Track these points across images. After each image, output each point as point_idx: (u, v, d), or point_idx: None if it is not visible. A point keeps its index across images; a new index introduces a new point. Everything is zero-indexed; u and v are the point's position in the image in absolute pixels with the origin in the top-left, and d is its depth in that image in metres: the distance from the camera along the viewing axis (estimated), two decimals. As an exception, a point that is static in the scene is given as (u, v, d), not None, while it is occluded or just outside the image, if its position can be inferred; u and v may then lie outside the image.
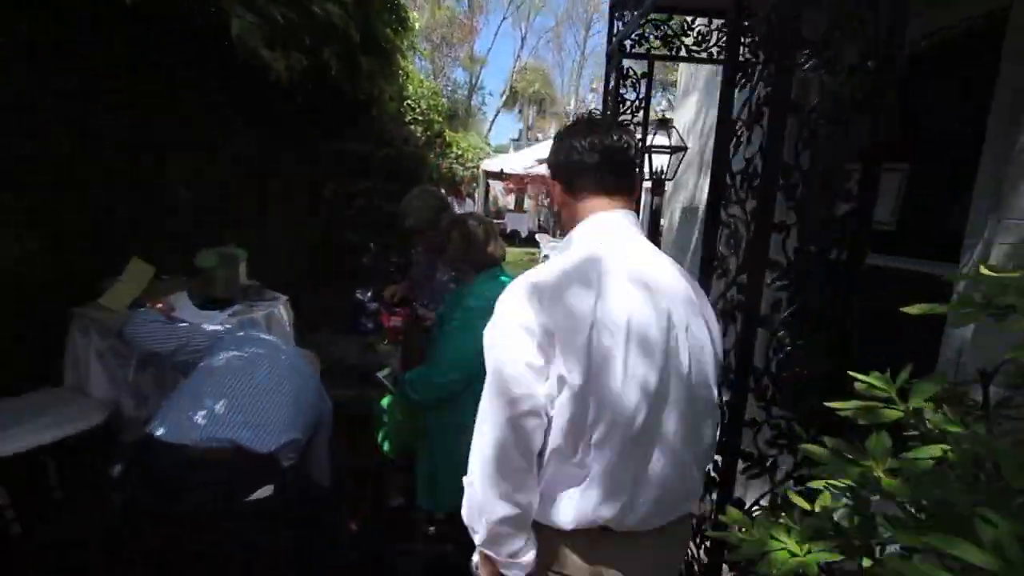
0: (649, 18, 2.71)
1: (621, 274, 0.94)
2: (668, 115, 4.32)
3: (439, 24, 21.05)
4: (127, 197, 2.76)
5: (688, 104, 4.18)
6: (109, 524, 1.43)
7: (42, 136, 2.37)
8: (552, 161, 1.11)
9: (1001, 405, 0.95)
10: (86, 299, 2.35)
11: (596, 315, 0.90)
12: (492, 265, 1.84)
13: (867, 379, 0.93)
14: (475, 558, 1.04)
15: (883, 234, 2.17)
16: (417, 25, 5.98)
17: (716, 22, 2.82)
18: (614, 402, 0.90)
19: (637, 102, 2.94)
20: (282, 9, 2.42)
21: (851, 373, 0.93)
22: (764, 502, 1.37)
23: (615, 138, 1.03)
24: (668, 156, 3.78)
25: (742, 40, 1.37)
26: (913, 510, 0.74)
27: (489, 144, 18.94)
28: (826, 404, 0.94)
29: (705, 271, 1.50)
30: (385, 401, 2.10)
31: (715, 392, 1.05)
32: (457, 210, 2.77)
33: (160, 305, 2.16)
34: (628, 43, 2.82)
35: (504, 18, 26.34)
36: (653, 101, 3.07)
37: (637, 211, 1.26)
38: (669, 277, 1.00)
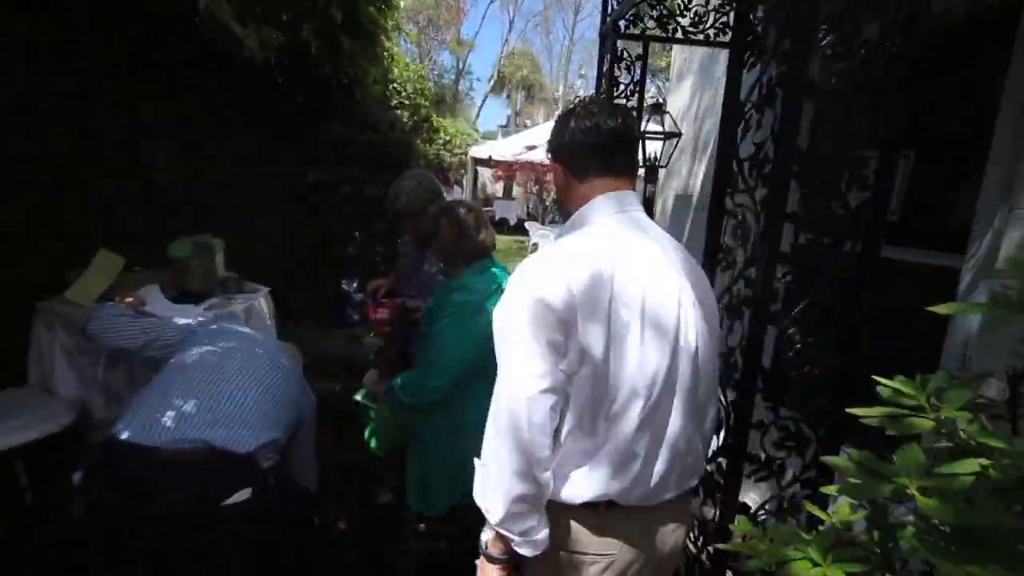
0: (645, -3, 2.59)
1: (632, 251, 0.96)
2: (657, 103, 4.21)
3: (425, 6, 20.57)
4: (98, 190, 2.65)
5: (682, 89, 4.08)
6: (72, 531, 1.35)
7: (42, 136, 2.38)
8: (555, 144, 1.09)
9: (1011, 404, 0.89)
10: (51, 293, 2.22)
11: (614, 290, 0.91)
12: (483, 255, 1.75)
13: (892, 384, 0.86)
14: (484, 537, 1.02)
15: (886, 224, 2.11)
16: (402, 4, 5.77)
17: (714, 2, 2.71)
18: (631, 375, 0.92)
19: (632, 85, 2.83)
20: (256, -18, 2.28)
21: (875, 378, 0.86)
22: (770, 506, 1.32)
23: (619, 119, 1.04)
24: (661, 142, 3.69)
25: (752, 16, 1.27)
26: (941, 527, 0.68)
27: (477, 130, 18.68)
28: (848, 411, 0.87)
29: (709, 263, 1.43)
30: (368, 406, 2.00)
31: (716, 372, 1.08)
32: (446, 197, 2.67)
33: (130, 299, 2.03)
34: (623, 23, 2.70)
35: (492, 0, 25.85)
36: (642, 88, 2.95)
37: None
38: (676, 255, 1.03)
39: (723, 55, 3.35)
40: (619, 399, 0.92)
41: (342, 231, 4.18)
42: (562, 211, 1.14)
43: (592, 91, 2.93)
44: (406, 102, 6.48)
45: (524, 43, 27.50)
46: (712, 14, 2.72)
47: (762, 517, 1.28)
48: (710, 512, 1.42)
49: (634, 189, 1.09)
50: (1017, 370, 0.88)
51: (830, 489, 0.85)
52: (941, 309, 0.88)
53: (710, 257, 1.40)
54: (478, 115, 25.35)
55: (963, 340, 1.69)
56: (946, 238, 1.88)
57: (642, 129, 3.37)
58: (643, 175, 3.88)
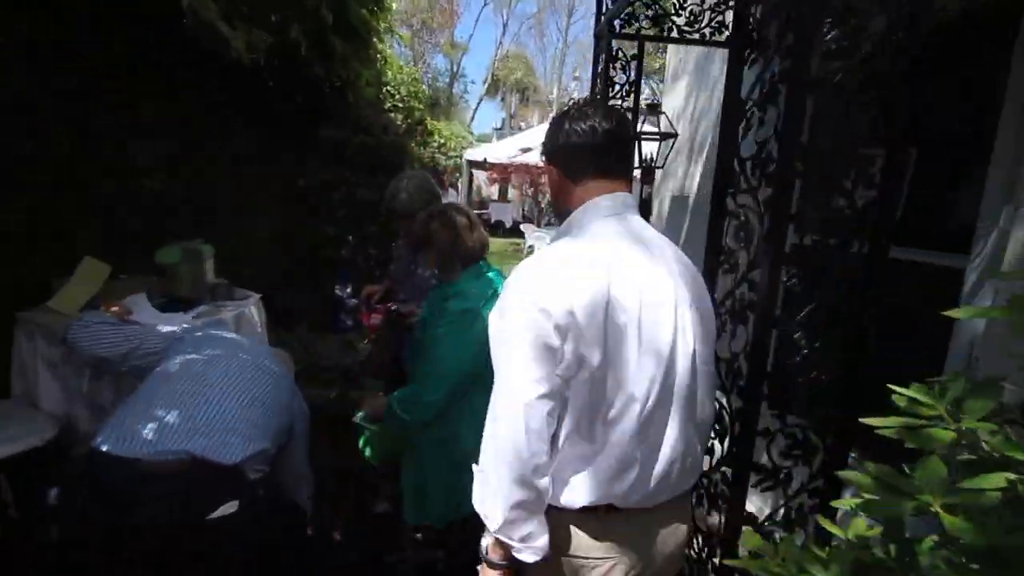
0: (640, -4, 2.56)
1: (628, 254, 0.96)
2: (653, 104, 4.19)
3: (419, 8, 20.56)
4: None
5: (677, 89, 4.05)
6: (72, 531, 1.33)
7: (42, 136, 2.37)
8: (549, 146, 1.08)
9: None
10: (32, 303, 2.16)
11: (611, 294, 0.90)
12: (478, 257, 1.71)
13: (908, 392, 0.82)
14: (484, 542, 1.02)
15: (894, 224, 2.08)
16: (395, 6, 5.74)
17: (709, 0, 2.68)
18: (629, 379, 0.91)
19: (627, 85, 2.80)
20: (242, -19, 2.24)
21: (890, 387, 0.81)
22: (775, 515, 1.28)
23: (613, 121, 1.03)
24: (658, 143, 3.66)
25: (752, 12, 1.24)
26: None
27: (472, 133, 18.67)
28: (862, 421, 0.83)
29: (710, 266, 1.39)
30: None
31: (713, 371, 1.07)
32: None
33: (115, 308, 1.97)
34: (618, 23, 2.67)
35: (485, 3, 25.88)
36: (636, 90, 2.91)
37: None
38: (671, 255, 1.02)
39: (719, 55, 3.33)
40: (616, 404, 0.92)
41: (336, 235, 4.12)
42: (557, 214, 1.12)
43: (587, 93, 2.90)
44: (400, 105, 6.44)
45: (518, 46, 27.57)
46: (708, 13, 2.69)
47: (767, 525, 1.24)
48: (715, 520, 1.38)
49: (630, 191, 1.08)
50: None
51: (846, 503, 0.81)
52: (958, 313, 0.84)
53: (711, 259, 1.36)
54: (473, 118, 25.38)
55: (969, 341, 1.66)
56: (948, 237, 1.85)
57: (638, 130, 3.34)
58: (639, 176, 3.85)
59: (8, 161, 2.23)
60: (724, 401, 1.28)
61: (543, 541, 0.94)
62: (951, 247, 1.82)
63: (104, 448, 1.32)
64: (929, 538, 0.71)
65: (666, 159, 3.72)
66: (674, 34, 2.74)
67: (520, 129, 20.54)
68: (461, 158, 13.17)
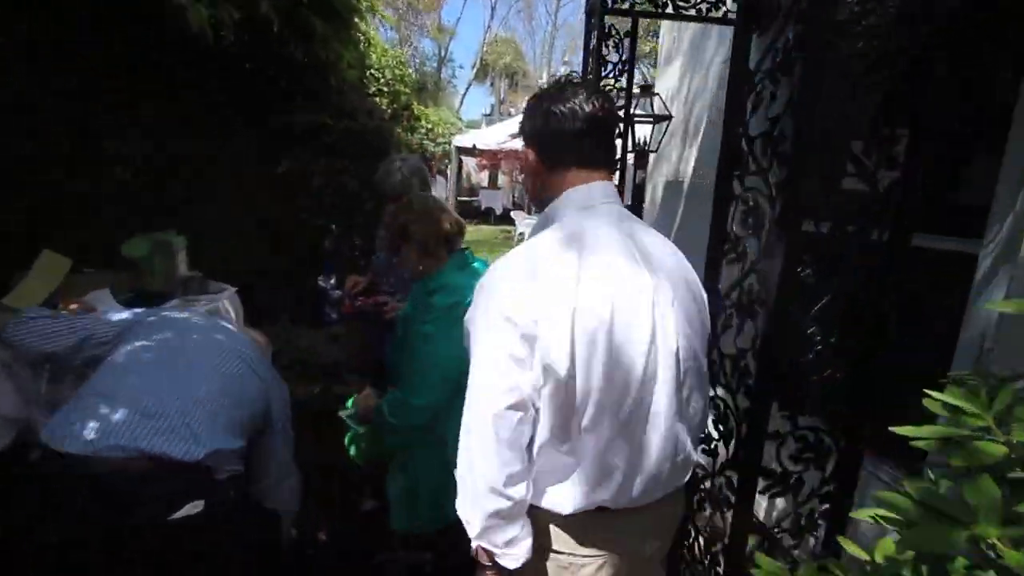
0: (633, -32, 2.43)
1: (603, 251, 0.91)
2: (646, 85, 4.06)
3: (404, -10, 20.08)
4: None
5: (671, 70, 3.92)
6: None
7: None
8: (527, 127, 1.01)
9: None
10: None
11: (579, 298, 0.87)
12: (458, 241, 1.60)
13: (944, 397, 0.72)
14: (474, 543, 1.00)
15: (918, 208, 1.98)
16: (377, -16, 5.52)
17: (706, -28, 2.55)
18: (602, 386, 0.88)
19: (620, 64, 2.67)
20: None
21: (926, 391, 0.72)
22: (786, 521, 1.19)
23: (598, 104, 0.95)
24: (651, 126, 3.54)
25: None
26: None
27: (461, 119, 18.37)
28: (892, 430, 0.74)
29: (713, 254, 1.28)
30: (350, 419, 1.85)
31: (704, 363, 1.03)
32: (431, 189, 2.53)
33: (74, 306, 1.83)
34: (610, -1, 2.54)
35: (473, -15, 25.32)
36: (627, 74, 2.78)
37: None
38: (653, 250, 0.97)
39: (715, 32, 3.20)
40: (589, 412, 0.89)
41: (319, 224, 3.97)
42: (532, 200, 1.04)
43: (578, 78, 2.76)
44: (385, 89, 6.23)
45: (507, 30, 27.10)
46: (704, -13, 2.57)
47: (779, 535, 1.16)
48: (718, 523, 1.30)
49: (611, 178, 1.02)
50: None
51: (866, 514, 0.72)
52: (1000, 306, 0.75)
53: (715, 248, 1.26)
54: (461, 103, 25.00)
55: (980, 331, 1.58)
56: (957, 221, 1.77)
57: (631, 112, 3.22)
58: (632, 161, 3.74)
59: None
60: (730, 401, 1.18)
61: (525, 546, 0.93)
62: (960, 231, 1.73)
63: (51, 445, 1.23)
64: (960, 560, 0.61)
65: (659, 143, 3.61)
66: (669, 9, 2.62)
67: (510, 115, 20.25)
68: (450, 145, 12.95)
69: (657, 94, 3.57)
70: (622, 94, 2.72)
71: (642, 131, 3.54)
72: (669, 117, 3.53)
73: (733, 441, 1.18)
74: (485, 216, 13.97)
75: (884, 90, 1.01)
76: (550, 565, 0.99)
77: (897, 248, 1.03)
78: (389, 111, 6.33)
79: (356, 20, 4.32)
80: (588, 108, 0.94)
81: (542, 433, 0.91)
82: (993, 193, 1.55)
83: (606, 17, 2.59)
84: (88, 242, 2.40)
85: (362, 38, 5.13)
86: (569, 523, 0.96)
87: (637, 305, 0.90)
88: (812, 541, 1.19)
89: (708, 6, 2.60)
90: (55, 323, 1.47)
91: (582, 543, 0.97)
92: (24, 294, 1.95)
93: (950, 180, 1.93)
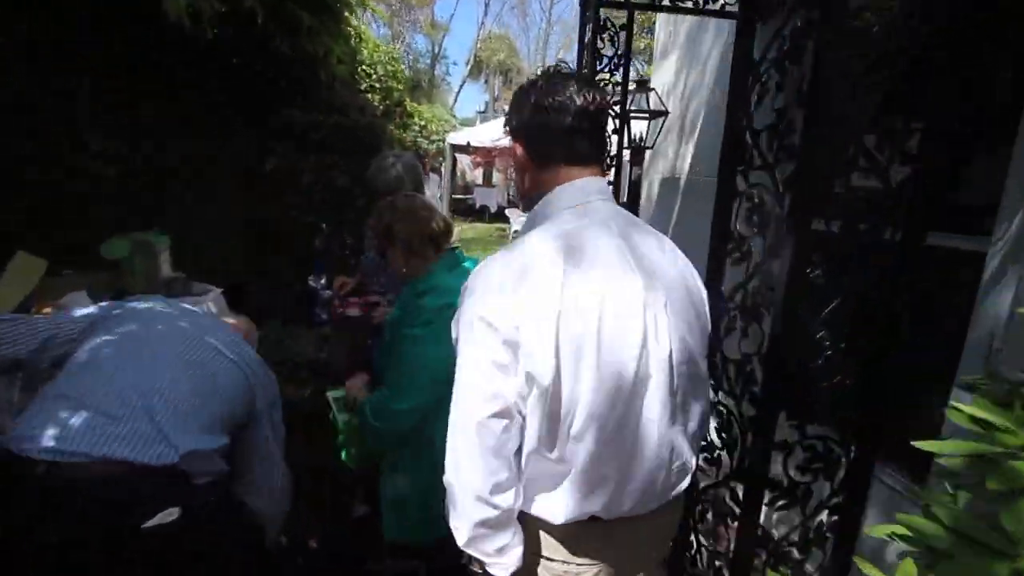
0: (629, -41, 2.36)
1: (592, 252, 0.87)
2: (642, 80, 4.00)
3: (397, -14, 19.92)
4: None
5: (667, 66, 3.87)
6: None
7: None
8: (515, 120, 0.96)
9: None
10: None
11: (564, 301, 0.83)
12: (446, 241, 1.54)
13: (971, 410, 0.67)
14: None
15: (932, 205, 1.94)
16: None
17: (704, -36, 2.49)
18: (590, 393, 0.84)
19: (616, 58, 2.61)
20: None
21: (953, 403, 0.67)
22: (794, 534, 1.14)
23: (589, 96, 0.90)
24: (647, 122, 3.48)
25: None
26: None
27: (455, 116, 18.23)
28: (914, 444, 0.69)
29: (716, 254, 1.23)
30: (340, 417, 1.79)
31: (703, 366, 0.99)
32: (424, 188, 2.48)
33: (48, 310, 1.75)
34: (606, -10, 2.47)
35: (466, -19, 25.14)
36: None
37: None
38: (646, 250, 0.92)
39: (712, 25, 3.15)
40: (577, 420, 0.85)
41: (309, 222, 3.90)
42: (521, 198, 1.01)
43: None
44: (377, 85, 6.15)
45: (501, 26, 26.97)
46: (701, -21, 2.51)
47: (785, 550, 1.10)
48: (722, 534, 1.25)
49: (603, 174, 0.98)
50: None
51: (881, 531, 0.67)
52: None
53: (718, 247, 1.20)
54: (455, 100, 24.89)
55: (989, 331, 1.54)
56: (964, 218, 1.72)
57: (627, 107, 3.15)
58: (627, 157, 3.68)
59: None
60: (734, 408, 1.13)
61: (515, 554, 0.91)
62: (967, 229, 1.69)
63: (9, 447, 1.14)
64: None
65: (656, 139, 3.55)
66: (666, 2, 2.56)
67: (504, 112, 20.14)
68: (444, 142, 12.85)
69: (653, 89, 3.52)
70: (617, 89, 2.65)
71: (638, 127, 3.48)
72: (665, 113, 3.47)
73: (738, 450, 1.12)
74: (480, 214, 13.88)
75: (884, 90, 0.96)
76: (543, 573, 0.96)
77: (910, 247, 0.97)
78: (381, 107, 6.25)
79: (346, 14, 4.24)
80: (579, 101, 0.89)
81: (530, 440, 0.88)
82: (1002, 188, 1.51)
83: (601, 10, 2.52)
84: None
85: (353, 33, 5.04)
86: (562, 532, 0.93)
87: (627, 308, 0.86)
88: (821, 555, 1.14)
89: (705, -1, 2.54)
90: (15, 327, 1.39)
91: (575, 552, 0.94)
92: (-3, 297, 1.87)
93: (953, 177, 1.89)
